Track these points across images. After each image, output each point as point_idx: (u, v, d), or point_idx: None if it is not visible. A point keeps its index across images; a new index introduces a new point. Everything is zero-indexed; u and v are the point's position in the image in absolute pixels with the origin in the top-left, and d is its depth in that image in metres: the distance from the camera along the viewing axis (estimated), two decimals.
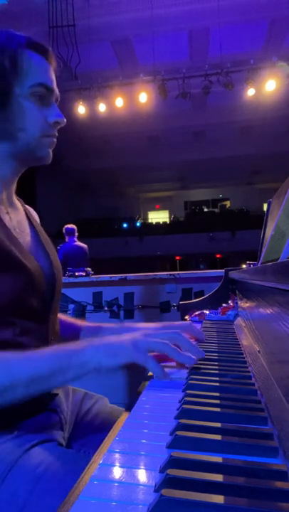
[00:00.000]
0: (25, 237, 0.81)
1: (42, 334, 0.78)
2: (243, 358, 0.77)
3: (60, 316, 0.96)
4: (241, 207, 21.36)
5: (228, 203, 23.11)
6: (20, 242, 0.75)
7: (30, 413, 0.75)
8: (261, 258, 1.23)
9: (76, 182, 19.10)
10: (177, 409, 0.50)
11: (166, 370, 0.68)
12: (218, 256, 17.41)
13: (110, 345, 0.65)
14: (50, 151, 0.82)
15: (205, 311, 1.37)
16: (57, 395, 0.85)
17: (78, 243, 5.21)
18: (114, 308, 3.14)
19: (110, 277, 3.22)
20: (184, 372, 0.66)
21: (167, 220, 23.27)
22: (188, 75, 7.27)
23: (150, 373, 0.68)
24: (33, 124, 0.77)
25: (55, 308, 0.84)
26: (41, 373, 0.62)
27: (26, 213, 0.88)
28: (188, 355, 0.66)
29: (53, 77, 0.80)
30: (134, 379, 2.61)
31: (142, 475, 0.36)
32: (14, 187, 0.85)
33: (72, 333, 0.94)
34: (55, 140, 0.82)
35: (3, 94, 0.74)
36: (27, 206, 0.94)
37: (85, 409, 0.89)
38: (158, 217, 24.06)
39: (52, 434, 0.74)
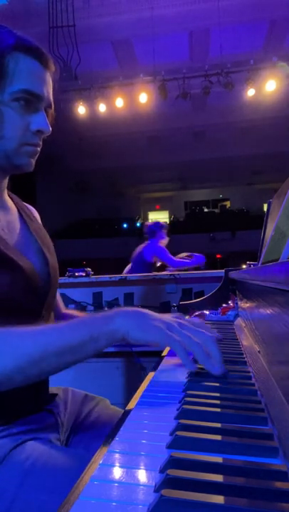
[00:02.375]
0: (14, 236, 0.79)
1: None
2: (243, 358, 0.77)
3: (66, 310, 0.98)
4: (241, 207, 21.34)
5: (228, 204, 23.09)
6: (6, 241, 0.74)
7: (25, 412, 0.74)
8: (261, 258, 1.23)
9: (76, 182, 19.09)
10: (177, 410, 0.50)
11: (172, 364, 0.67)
12: (218, 256, 17.39)
13: (143, 318, 0.64)
14: (32, 160, 0.78)
15: (205, 312, 1.37)
16: (56, 395, 0.85)
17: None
18: (115, 308, 3.13)
19: (110, 277, 3.22)
20: (178, 388, 0.62)
21: (167, 221, 23.24)
22: (189, 76, 7.27)
23: (149, 375, 0.68)
24: (12, 132, 0.73)
25: (49, 305, 0.83)
26: (72, 343, 0.61)
27: (20, 212, 0.87)
28: (215, 364, 0.62)
29: (46, 83, 0.76)
30: (133, 379, 2.61)
31: (142, 475, 0.36)
32: (4, 187, 0.83)
33: None
34: (38, 149, 0.78)
35: None
36: (25, 204, 0.93)
37: (86, 411, 0.89)
38: (158, 217, 24.00)
39: (45, 434, 0.73)
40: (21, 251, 0.77)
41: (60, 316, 0.96)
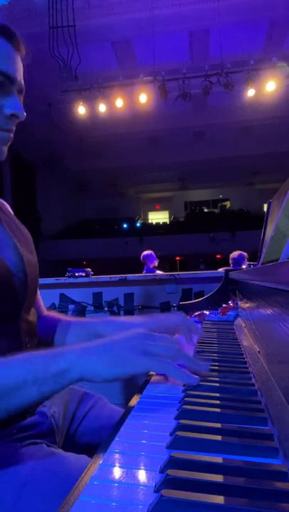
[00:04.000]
0: None
1: (13, 335, 0.70)
2: (243, 358, 0.77)
3: (48, 312, 0.92)
4: (241, 207, 21.36)
5: (228, 204, 23.10)
6: None
7: (17, 417, 0.69)
8: (261, 259, 1.23)
9: (76, 182, 19.10)
10: (177, 410, 0.50)
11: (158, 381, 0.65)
12: (218, 256, 17.40)
13: (105, 348, 0.55)
14: (4, 147, 0.71)
15: (205, 312, 1.37)
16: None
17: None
18: (115, 308, 3.14)
19: (110, 278, 3.22)
20: (178, 388, 0.60)
21: (167, 221, 23.27)
22: (189, 76, 7.29)
23: (151, 374, 0.68)
24: None
25: (28, 306, 0.76)
26: (9, 384, 0.51)
27: None
28: (191, 375, 0.58)
29: (18, 66, 0.70)
30: (133, 379, 2.61)
31: (142, 475, 0.36)
32: None
33: (48, 327, 0.88)
34: (11, 135, 0.72)
35: None
36: None
37: (85, 409, 0.87)
38: (158, 217, 24.05)
39: (40, 440, 0.68)
40: None
41: (40, 319, 0.88)
